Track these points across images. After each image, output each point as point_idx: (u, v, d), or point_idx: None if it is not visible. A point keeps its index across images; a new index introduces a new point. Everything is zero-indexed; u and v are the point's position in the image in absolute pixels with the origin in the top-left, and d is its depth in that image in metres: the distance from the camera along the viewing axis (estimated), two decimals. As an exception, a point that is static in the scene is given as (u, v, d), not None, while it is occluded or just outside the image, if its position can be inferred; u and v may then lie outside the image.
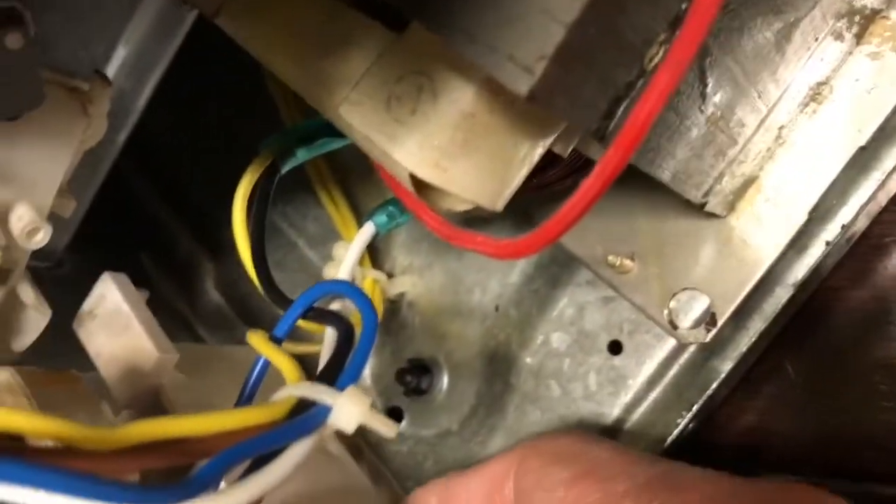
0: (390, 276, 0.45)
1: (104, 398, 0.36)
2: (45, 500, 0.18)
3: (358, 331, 0.28)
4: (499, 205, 0.29)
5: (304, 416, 0.24)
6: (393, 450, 0.43)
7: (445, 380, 0.43)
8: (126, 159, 0.47)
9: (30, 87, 0.30)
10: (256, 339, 0.30)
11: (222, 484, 0.22)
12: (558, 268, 0.40)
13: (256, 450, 0.22)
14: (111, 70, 0.42)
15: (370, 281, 0.43)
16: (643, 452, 0.32)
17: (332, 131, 0.37)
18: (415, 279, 0.44)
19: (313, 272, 0.47)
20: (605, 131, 0.25)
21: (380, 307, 0.43)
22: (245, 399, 0.30)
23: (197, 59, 0.46)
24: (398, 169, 0.28)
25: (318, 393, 0.24)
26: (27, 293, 0.35)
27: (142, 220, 0.53)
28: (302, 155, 0.37)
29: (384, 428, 0.25)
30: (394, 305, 0.45)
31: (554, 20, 0.21)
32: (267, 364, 0.30)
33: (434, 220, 0.28)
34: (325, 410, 0.24)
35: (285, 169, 0.36)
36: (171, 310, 0.50)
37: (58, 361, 0.41)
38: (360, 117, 0.28)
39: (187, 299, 0.50)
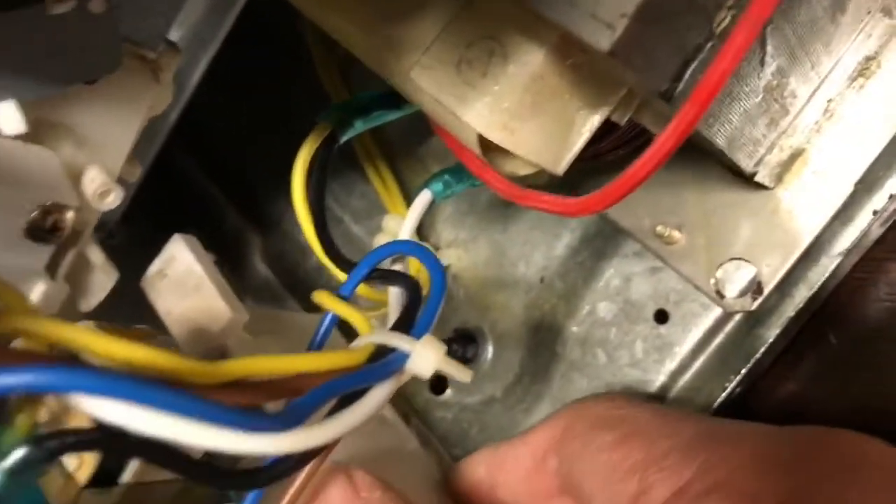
0: (436, 249, 0.46)
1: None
2: (155, 418, 0.19)
3: (425, 288, 0.29)
4: (560, 168, 0.30)
5: (385, 360, 0.25)
6: (438, 416, 0.44)
7: (490, 349, 0.44)
8: (174, 136, 0.48)
9: (109, 52, 0.31)
10: (324, 297, 0.31)
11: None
12: (603, 240, 0.41)
13: (342, 389, 0.23)
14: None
15: (417, 254, 0.44)
16: (688, 412, 0.33)
17: (387, 104, 0.39)
18: (460, 252, 0.46)
19: (360, 246, 0.49)
20: (672, 93, 0.26)
21: (426, 280, 0.44)
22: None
23: (245, 37, 0.47)
24: (466, 131, 0.29)
25: (397, 340, 0.25)
26: (96, 254, 0.36)
27: (188, 195, 0.54)
28: (359, 125, 0.38)
29: (459, 373, 0.26)
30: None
31: (637, -23, 0.22)
32: (334, 320, 0.31)
33: (499, 181, 0.29)
34: (403, 357, 0.25)
35: (344, 139, 0.38)
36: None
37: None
38: (431, 80, 0.29)
39: (235, 273, 0.52)
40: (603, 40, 0.22)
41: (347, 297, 0.32)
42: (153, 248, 0.50)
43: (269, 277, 0.51)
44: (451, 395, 0.44)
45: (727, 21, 0.25)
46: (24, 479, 0.20)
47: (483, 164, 0.30)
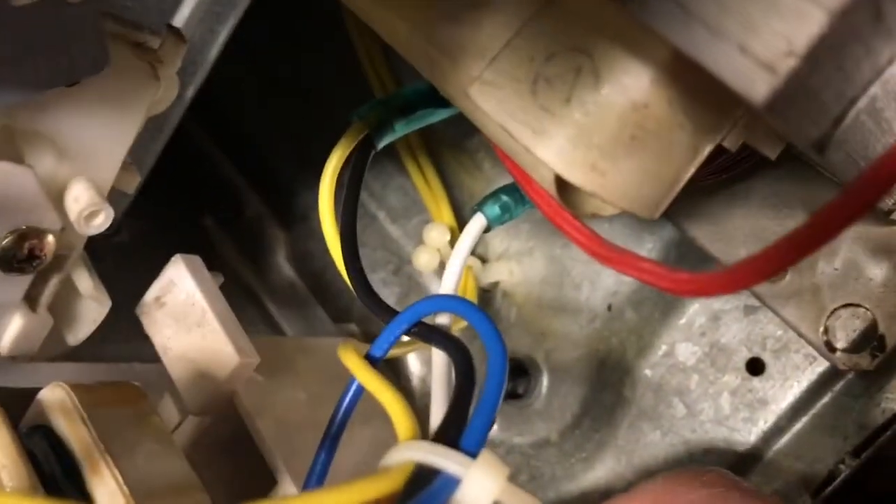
0: (484, 261, 0.40)
1: (172, 395, 0.32)
2: None
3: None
4: (657, 214, 0.24)
5: (428, 491, 0.19)
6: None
7: (545, 383, 0.38)
8: (190, 114, 0.42)
9: (92, 48, 0.25)
10: (351, 361, 0.25)
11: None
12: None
13: (375, 542, 0.17)
14: (180, 19, 0.37)
15: (462, 267, 0.38)
16: None
17: (434, 101, 0.32)
18: (512, 266, 0.39)
19: (395, 250, 0.42)
20: (829, 140, 0.19)
21: (473, 297, 0.38)
22: (334, 433, 0.25)
23: (273, 9, 0.41)
24: (540, 169, 0.23)
25: (446, 459, 0.19)
26: (84, 281, 0.30)
27: (206, 180, 0.48)
28: (400, 129, 0.32)
29: (526, 507, 0.20)
30: (487, 295, 0.40)
31: (814, 2, 0.15)
32: (361, 390, 0.26)
33: (583, 234, 0.23)
34: (453, 483, 0.19)
35: (381, 144, 0.31)
36: (238, 281, 0.46)
37: (114, 347, 0.37)
38: (495, 102, 0.22)
39: (255, 271, 0.46)
40: (757, 87, 0.15)
41: (379, 359, 0.26)
42: (164, 243, 0.45)
43: (293, 279, 0.45)
44: (496, 432, 0.39)
45: (910, 47, 0.18)
46: None
47: (559, 207, 0.24)
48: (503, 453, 0.38)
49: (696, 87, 0.22)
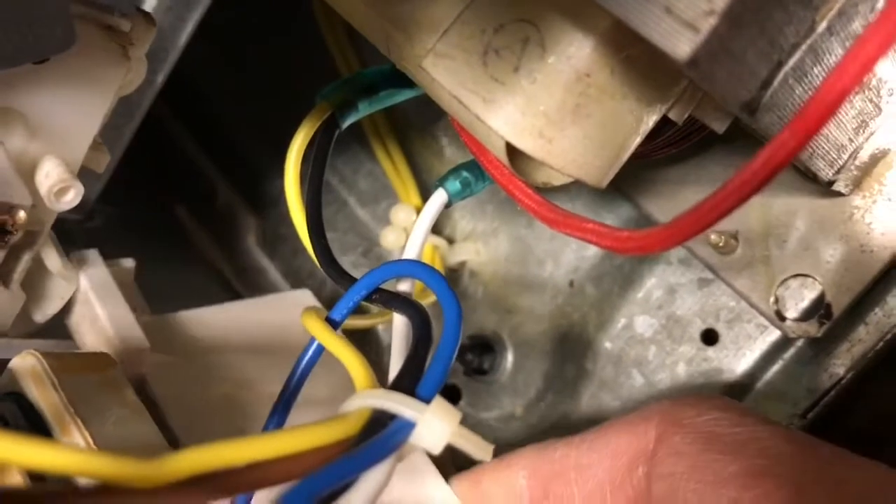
0: (451, 241, 0.41)
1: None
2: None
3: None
4: (604, 182, 0.25)
5: (385, 433, 0.20)
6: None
7: (510, 359, 0.39)
8: (161, 101, 0.43)
9: (59, 25, 0.25)
10: (313, 324, 0.26)
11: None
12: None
13: (332, 480, 0.18)
14: (150, 5, 0.38)
15: (429, 247, 0.39)
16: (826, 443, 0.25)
17: (398, 81, 0.33)
18: (478, 246, 0.40)
19: (364, 233, 0.43)
20: (758, 104, 0.20)
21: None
22: (291, 392, 0.26)
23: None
24: (491, 137, 0.24)
25: (401, 405, 0.20)
26: (52, 259, 0.31)
27: (177, 167, 0.48)
28: (364, 108, 0.32)
29: (477, 450, 0.21)
30: (454, 275, 0.41)
31: (731, -38, 0.16)
32: (320, 350, 0.27)
33: (532, 200, 0.24)
34: (408, 427, 0.20)
35: (345, 124, 0.32)
36: (209, 267, 0.47)
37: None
38: (448, 73, 0.23)
39: (227, 256, 0.46)
40: (681, 46, 0.17)
41: (339, 323, 0.27)
42: (136, 229, 0.46)
43: (264, 263, 0.46)
44: (463, 408, 0.40)
45: (834, 11, 0.20)
46: None
47: (511, 175, 0.25)
48: (471, 427, 0.39)
49: (637, 59, 0.23)
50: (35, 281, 0.31)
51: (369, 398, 0.21)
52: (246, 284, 0.46)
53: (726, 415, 0.25)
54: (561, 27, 0.22)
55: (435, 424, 0.20)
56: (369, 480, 0.19)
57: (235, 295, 0.46)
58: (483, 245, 0.40)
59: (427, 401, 0.21)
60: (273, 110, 0.46)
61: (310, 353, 0.26)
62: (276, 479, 0.18)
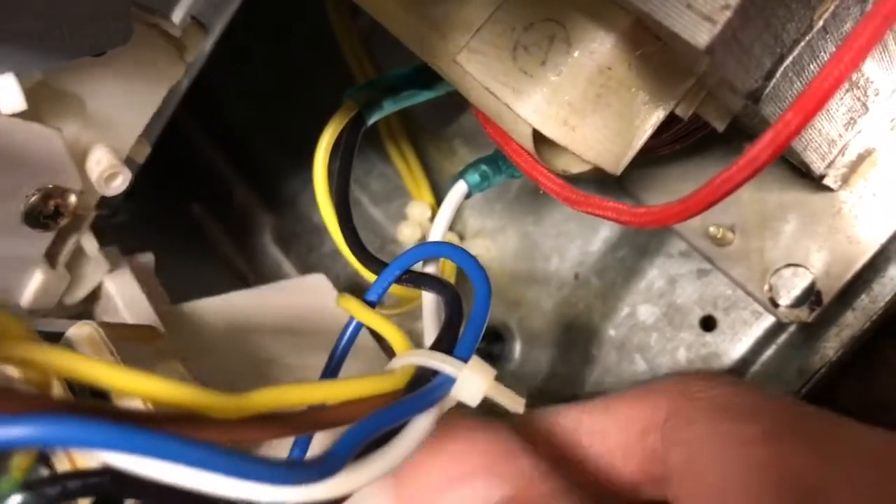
0: (461, 238, 0.43)
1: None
2: (180, 473, 0.16)
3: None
4: (619, 168, 0.27)
5: (429, 387, 0.22)
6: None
7: (517, 348, 0.41)
8: (179, 104, 0.45)
9: (118, 21, 0.28)
10: (352, 304, 0.28)
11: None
12: (647, 237, 0.38)
13: (384, 424, 0.20)
14: (180, 12, 0.40)
15: (442, 242, 0.41)
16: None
17: (419, 83, 0.35)
18: (487, 243, 0.43)
19: (378, 231, 0.46)
20: (761, 93, 0.23)
21: (451, 273, 0.41)
22: (332, 369, 0.28)
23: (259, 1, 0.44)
24: (519, 125, 0.26)
25: (442, 363, 0.23)
26: (90, 244, 0.33)
27: (194, 168, 0.51)
28: (388, 106, 0.35)
29: (510, 402, 0.23)
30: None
31: (744, -35, 0.19)
32: (358, 330, 0.29)
33: (556, 183, 0.26)
34: (449, 382, 0.22)
35: (371, 121, 0.34)
36: (225, 263, 0.49)
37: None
38: (480, 67, 0.26)
39: (242, 253, 0.48)
40: (700, 35, 0.19)
41: (374, 304, 0.29)
42: (156, 227, 0.47)
43: (280, 259, 0.48)
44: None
45: (829, 11, 0.22)
46: (19, 529, 0.18)
47: (534, 161, 0.27)
48: (481, 413, 0.41)
49: (651, 56, 0.25)
50: (79, 264, 0.33)
51: (413, 357, 0.23)
52: (262, 280, 0.48)
53: (735, 388, 0.27)
54: (585, 25, 0.24)
55: (473, 379, 0.23)
56: (416, 427, 0.21)
57: (250, 289, 0.48)
58: (492, 241, 0.42)
59: (464, 360, 0.23)
60: (288, 113, 0.48)
61: (349, 332, 0.28)
62: (336, 421, 0.20)
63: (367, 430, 0.20)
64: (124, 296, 0.32)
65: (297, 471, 0.17)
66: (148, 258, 0.37)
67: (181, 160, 0.51)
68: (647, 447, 0.27)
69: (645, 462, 0.27)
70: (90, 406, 0.16)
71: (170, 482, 0.17)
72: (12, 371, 0.18)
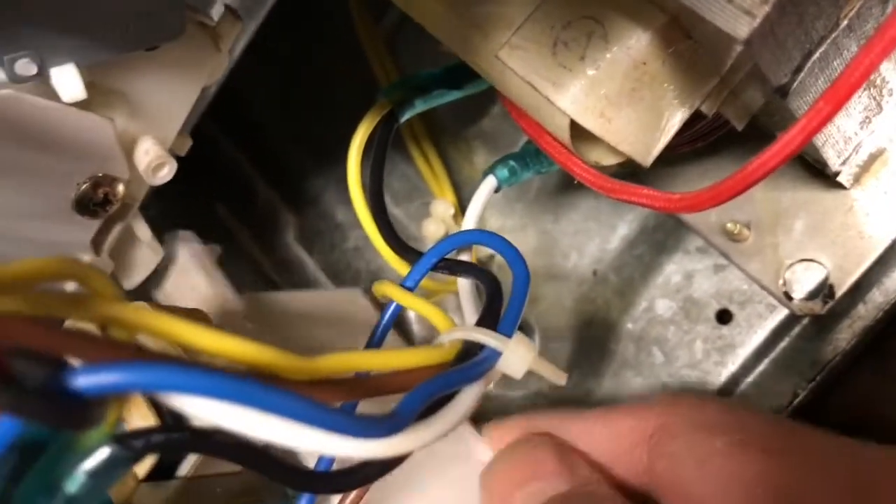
0: (482, 236, 0.44)
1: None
2: (265, 422, 0.17)
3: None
4: (649, 160, 0.29)
5: (476, 359, 0.23)
6: (479, 410, 0.43)
7: (537, 342, 0.42)
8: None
9: (173, 17, 0.29)
10: (390, 289, 0.29)
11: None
12: (664, 234, 0.40)
13: (439, 390, 0.22)
14: (219, 7, 0.41)
15: (463, 240, 0.43)
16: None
17: (448, 83, 0.37)
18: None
19: (399, 229, 0.46)
20: (789, 87, 0.24)
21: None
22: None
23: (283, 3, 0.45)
24: (556, 118, 0.27)
25: (488, 337, 0.24)
26: (143, 230, 0.34)
27: (220, 168, 0.52)
28: (419, 105, 0.36)
29: (553, 375, 0.24)
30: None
31: (781, -36, 0.20)
32: (397, 313, 0.30)
33: (590, 173, 0.28)
34: (495, 355, 0.24)
35: (404, 118, 0.36)
36: (251, 263, 0.50)
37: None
38: (521, 62, 0.27)
39: (267, 252, 0.50)
40: (741, 28, 0.20)
41: (413, 289, 0.30)
42: (181, 223, 0.49)
43: (303, 258, 0.49)
44: (492, 387, 0.43)
45: (855, 10, 0.24)
46: (105, 481, 0.19)
47: (569, 153, 0.28)
48: (501, 407, 0.43)
49: (682, 54, 0.27)
50: (125, 251, 0.34)
51: (462, 332, 0.24)
52: (285, 278, 0.49)
53: (719, 405, 0.29)
54: (622, 23, 0.26)
55: (517, 353, 0.24)
56: (465, 396, 0.23)
57: (275, 287, 0.49)
58: (512, 239, 0.44)
59: (508, 336, 0.24)
60: (311, 113, 0.50)
61: (388, 314, 0.30)
62: (392, 388, 0.22)
63: (424, 395, 0.21)
64: (207, 276, 0.33)
65: (373, 424, 0.18)
66: (216, 248, 0.38)
67: (206, 161, 0.52)
68: (635, 458, 0.29)
69: (633, 470, 0.29)
70: (179, 357, 0.17)
71: (247, 431, 0.18)
72: (95, 330, 0.19)
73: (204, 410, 0.17)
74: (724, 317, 0.38)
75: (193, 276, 0.34)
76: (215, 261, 0.36)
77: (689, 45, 0.26)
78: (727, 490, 0.25)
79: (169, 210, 0.50)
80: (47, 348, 0.16)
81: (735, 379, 0.37)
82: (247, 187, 0.51)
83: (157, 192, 0.47)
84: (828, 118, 0.21)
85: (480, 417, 0.40)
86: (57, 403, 0.15)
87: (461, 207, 0.45)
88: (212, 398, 0.17)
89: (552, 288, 0.42)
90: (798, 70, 0.24)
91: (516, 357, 0.24)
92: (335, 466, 0.24)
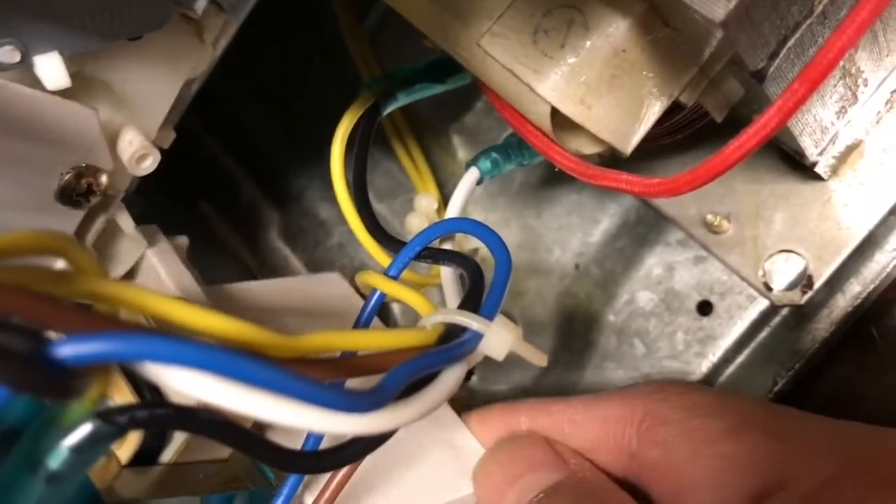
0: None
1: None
2: (250, 396, 0.18)
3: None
4: (629, 147, 0.29)
5: (459, 340, 0.24)
6: (463, 404, 0.43)
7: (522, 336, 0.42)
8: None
9: (157, 6, 0.29)
10: (373, 278, 0.30)
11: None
12: (645, 228, 0.40)
13: (421, 370, 0.22)
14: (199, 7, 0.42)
15: (446, 235, 0.43)
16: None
17: (431, 77, 0.37)
18: (490, 235, 0.44)
19: (383, 225, 0.47)
20: (766, 72, 0.25)
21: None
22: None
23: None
24: (538, 105, 0.28)
25: (470, 320, 0.24)
26: (126, 221, 0.34)
27: (203, 166, 0.52)
28: (402, 98, 0.36)
29: (534, 357, 0.25)
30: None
31: (757, -54, 0.21)
32: (380, 302, 0.30)
33: (569, 159, 0.28)
34: (477, 337, 0.24)
35: (387, 111, 0.36)
36: (235, 261, 0.50)
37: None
38: (502, 50, 0.27)
39: (251, 249, 0.50)
40: (717, 10, 0.21)
41: (396, 278, 0.30)
42: (164, 220, 0.49)
43: (287, 255, 0.49)
44: (476, 382, 0.43)
45: (827, 0, 0.24)
46: (87, 457, 0.19)
47: (550, 141, 0.29)
48: (484, 400, 0.43)
49: (661, 43, 0.27)
50: (108, 243, 0.34)
51: (443, 315, 0.25)
52: (269, 275, 0.49)
53: (704, 392, 0.30)
54: (601, 11, 0.26)
55: (499, 335, 0.24)
56: (447, 376, 0.23)
57: (259, 283, 0.49)
58: (495, 234, 0.44)
59: (490, 319, 0.25)
60: (294, 111, 0.50)
61: (371, 303, 0.30)
62: (374, 368, 0.22)
63: (406, 373, 0.21)
64: (167, 268, 0.33)
65: (355, 398, 0.18)
66: (183, 240, 0.38)
67: (189, 159, 0.52)
68: (619, 444, 0.30)
69: (619, 456, 0.30)
70: (163, 330, 0.17)
71: (230, 405, 0.18)
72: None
73: (188, 383, 0.17)
74: (704, 308, 0.38)
75: (159, 272, 0.34)
76: (182, 255, 0.36)
77: (667, 34, 0.27)
78: (725, 473, 0.26)
79: (152, 208, 0.50)
80: (33, 318, 0.16)
81: (716, 369, 0.38)
82: (230, 185, 0.51)
83: (141, 190, 0.48)
84: (803, 99, 0.21)
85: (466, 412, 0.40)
86: (41, 372, 0.15)
87: (444, 202, 0.45)
88: (197, 369, 0.17)
89: (535, 282, 0.43)
90: (774, 56, 0.24)
91: (498, 339, 0.24)
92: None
